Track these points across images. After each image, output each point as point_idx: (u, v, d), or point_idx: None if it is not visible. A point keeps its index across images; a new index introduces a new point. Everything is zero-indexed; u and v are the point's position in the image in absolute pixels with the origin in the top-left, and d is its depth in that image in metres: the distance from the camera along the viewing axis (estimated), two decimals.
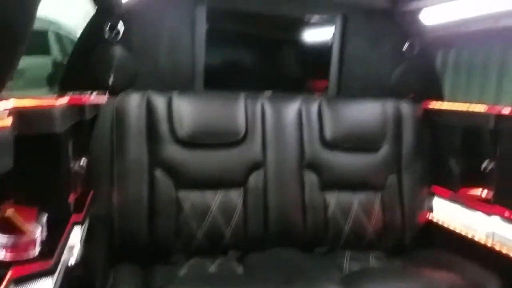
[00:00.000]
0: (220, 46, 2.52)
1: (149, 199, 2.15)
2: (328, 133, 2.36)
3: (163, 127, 2.20)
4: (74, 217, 1.59)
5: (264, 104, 2.36)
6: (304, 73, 2.71)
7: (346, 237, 2.34)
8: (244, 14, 2.52)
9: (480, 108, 2.18)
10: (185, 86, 2.43)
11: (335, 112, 2.40)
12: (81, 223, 1.65)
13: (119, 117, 2.18)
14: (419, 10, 2.39)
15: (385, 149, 2.44)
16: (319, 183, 2.35)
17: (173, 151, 2.20)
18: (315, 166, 2.36)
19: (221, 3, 2.45)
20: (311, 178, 2.35)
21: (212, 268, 2.10)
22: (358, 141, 2.40)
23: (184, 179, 2.20)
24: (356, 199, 2.38)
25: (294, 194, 2.33)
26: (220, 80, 2.53)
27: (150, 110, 2.20)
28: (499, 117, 2.06)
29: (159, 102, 2.22)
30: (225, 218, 2.21)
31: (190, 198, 2.20)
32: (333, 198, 2.36)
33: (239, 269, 2.12)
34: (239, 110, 2.29)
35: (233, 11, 2.50)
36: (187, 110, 2.22)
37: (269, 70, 2.64)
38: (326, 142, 2.37)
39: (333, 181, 2.36)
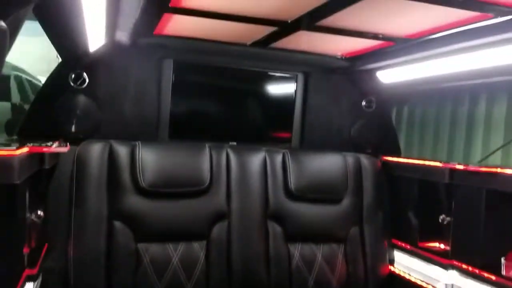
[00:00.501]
0: (186, 97, 2.56)
1: (107, 251, 2.07)
2: (292, 184, 2.40)
3: (125, 177, 2.16)
4: (27, 271, 1.50)
5: (229, 154, 2.38)
6: (268, 125, 2.78)
7: None
8: (210, 67, 2.59)
9: (436, 163, 2.29)
10: (150, 136, 2.43)
11: (299, 164, 2.45)
12: (34, 278, 1.56)
13: (80, 166, 2.13)
14: (374, 70, 2.54)
15: (347, 201, 2.49)
16: (283, 234, 2.36)
17: (134, 202, 2.15)
18: (279, 216, 2.37)
19: (187, 56, 2.51)
20: (275, 229, 2.35)
21: None
22: (321, 192, 2.44)
23: (145, 231, 2.14)
24: (319, 251, 2.38)
25: (258, 245, 2.31)
26: (185, 130, 2.55)
27: (112, 159, 2.17)
28: (454, 172, 2.17)
29: (122, 151, 2.19)
30: (187, 272, 2.15)
31: (150, 250, 2.14)
32: (297, 250, 2.36)
33: None
34: (203, 160, 2.29)
35: (199, 64, 2.56)
36: (151, 160, 2.20)
37: (234, 121, 2.69)
38: (290, 192, 2.39)
39: (297, 232, 2.38)
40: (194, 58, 2.52)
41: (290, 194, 2.40)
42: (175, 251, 2.16)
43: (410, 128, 3.33)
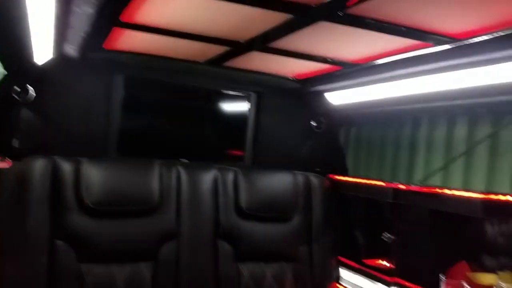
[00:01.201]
0: (136, 114, 2.52)
1: (48, 272, 1.97)
2: (243, 202, 2.40)
3: (69, 194, 2.08)
4: None
5: (180, 172, 2.35)
6: (221, 143, 2.78)
7: None
8: (162, 84, 2.56)
9: (380, 182, 2.38)
10: (97, 153, 2.36)
11: (250, 182, 2.46)
12: None
13: (21, 183, 2.03)
14: (324, 92, 2.62)
15: (296, 220, 2.52)
16: (233, 253, 2.34)
17: (78, 220, 2.07)
18: (230, 235, 2.35)
19: (139, 72, 2.48)
20: (225, 248, 2.34)
21: None
22: (271, 211, 2.46)
23: (88, 251, 2.06)
24: (269, 270, 2.39)
25: (208, 265, 2.29)
26: (135, 147, 2.50)
27: (55, 176, 2.08)
28: (397, 191, 2.26)
29: (66, 168, 2.11)
30: None
31: (94, 272, 2.06)
32: (246, 269, 2.35)
33: None
34: (153, 177, 2.25)
35: (150, 81, 2.53)
36: (97, 177, 2.13)
37: (186, 139, 2.67)
38: (241, 211, 2.39)
39: (247, 252, 2.37)
40: (146, 74, 2.49)
41: (241, 213, 2.40)
42: (120, 273, 2.09)
43: (357, 148, 3.44)
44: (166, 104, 2.65)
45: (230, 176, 2.46)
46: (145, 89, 2.56)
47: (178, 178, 2.34)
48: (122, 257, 2.12)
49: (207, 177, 2.41)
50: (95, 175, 2.13)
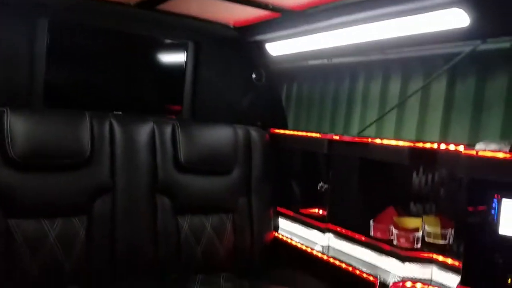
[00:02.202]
0: (63, 62, 2.35)
1: None
2: (182, 156, 2.35)
3: None
4: None
5: (112, 124, 2.25)
6: (157, 95, 2.68)
7: (198, 261, 2.33)
8: (90, 29, 2.40)
9: (316, 134, 2.42)
10: (21, 104, 2.20)
11: (189, 136, 2.41)
12: None
13: None
14: (264, 42, 2.58)
15: (236, 173, 2.52)
16: (172, 207, 2.31)
17: (2, 174, 1.94)
18: (168, 190, 2.31)
19: (65, 16, 2.29)
20: (164, 202, 2.30)
21: None
22: (211, 164, 2.43)
23: (16, 206, 1.96)
24: (208, 222, 2.39)
25: (146, 220, 2.24)
26: (62, 98, 2.35)
27: None
28: (331, 142, 2.31)
29: None
30: (65, 250, 2.01)
31: (23, 227, 1.96)
32: (186, 222, 2.34)
33: None
34: (83, 129, 2.13)
35: (77, 25, 2.36)
36: (22, 129, 2.00)
37: (119, 90, 2.54)
38: (180, 165, 2.35)
39: (187, 205, 2.35)
40: (73, 18, 2.31)
41: (180, 167, 2.35)
42: (52, 228, 2.01)
43: (298, 104, 3.49)
44: (95, 52, 2.49)
45: (168, 129, 2.39)
46: (72, 35, 2.38)
47: (111, 130, 2.23)
48: (52, 211, 2.03)
49: (143, 130, 2.33)
50: (19, 127, 1.99)
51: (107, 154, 2.19)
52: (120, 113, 2.41)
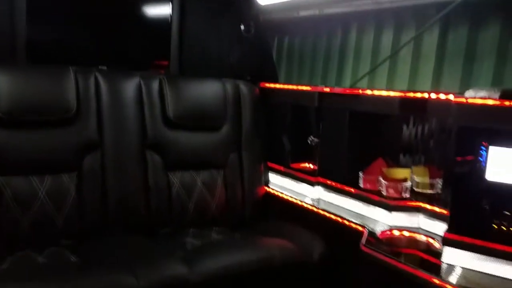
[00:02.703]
0: (45, 17, 2.28)
1: None
2: (171, 111, 2.32)
3: None
4: None
5: (98, 80, 2.20)
6: (143, 49, 2.62)
7: (190, 215, 2.34)
8: None
9: (306, 87, 2.38)
10: (3, 59, 2.14)
11: (177, 91, 2.36)
12: None
13: None
14: None
15: (226, 128, 2.50)
16: (162, 163, 2.30)
17: None
18: (158, 146, 2.30)
19: None
20: (154, 158, 2.28)
21: (41, 259, 1.91)
22: (200, 120, 2.41)
23: (4, 164, 1.94)
24: (199, 178, 2.39)
25: (136, 176, 2.24)
26: (46, 54, 2.29)
27: None
28: (322, 95, 2.28)
29: None
30: (56, 205, 2.02)
31: (12, 184, 1.95)
32: (177, 178, 2.34)
33: (73, 258, 1.95)
34: (68, 85, 2.09)
35: None
36: (6, 85, 1.96)
37: (104, 44, 2.48)
38: (168, 121, 2.32)
39: (177, 161, 2.34)
40: None
41: (169, 123, 2.32)
42: (41, 184, 2.01)
43: (289, 57, 3.41)
44: (78, 5, 2.41)
45: (155, 85, 2.35)
46: None
47: (97, 86, 2.19)
48: (41, 168, 2.02)
49: (130, 85, 2.29)
50: (3, 84, 1.96)
51: (93, 110, 2.16)
52: (105, 68, 2.36)
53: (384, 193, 2.03)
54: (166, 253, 1.97)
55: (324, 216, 2.13)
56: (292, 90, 2.49)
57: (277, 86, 2.63)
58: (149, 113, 2.30)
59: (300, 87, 2.43)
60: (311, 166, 2.51)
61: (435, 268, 1.58)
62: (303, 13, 2.61)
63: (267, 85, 2.67)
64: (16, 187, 1.96)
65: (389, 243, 1.79)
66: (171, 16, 2.56)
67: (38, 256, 1.91)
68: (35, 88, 2.03)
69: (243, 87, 2.59)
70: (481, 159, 1.55)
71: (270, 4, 2.56)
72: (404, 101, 1.92)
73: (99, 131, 2.16)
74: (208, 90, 2.46)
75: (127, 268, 1.72)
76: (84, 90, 2.15)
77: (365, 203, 2.07)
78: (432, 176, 2.02)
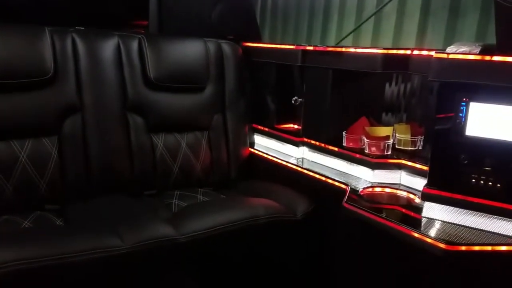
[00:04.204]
0: None
1: None
2: (151, 72, 2.27)
3: None
4: None
5: (75, 40, 2.14)
6: (121, 8, 2.53)
7: (175, 177, 2.35)
8: None
9: (290, 46, 2.35)
10: None
11: (158, 51, 2.30)
12: None
13: None
14: None
15: (209, 89, 2.46)
16: (145, 125, 2.28)
17: None
18: (140, 108, 2.26)
19: None
20: (136, 120, 2.25)
21: (26, 223, 1.90)
22: (182, 81, 2.37)
23: None
24: (183, 140, 2.38)
25: (119, 138, 2.21)
26: (19, 12, 2.20)
27: None
28: (305, 53, 2.25)
29: None
30: (38, 170, 2.00)
31: None
32: (160, 140, 2.32)
33: (58, 222, 1.95)
34: (44, 46, 2.03)
35: None
36: None
37: (79, 4, 2.39)
38: (149, 82, 2.27)
39: (160, 123, 2.31)
40: None
41: (150, 84, 2.28)
42: (22, 149, 1.98)
43: (273, 17, 3.35)
44: None
45: (134, 44, 2.28)
46: None
47: (74, 46, 2.13)
48: (21, 133, 1.99)
49: (108, 45, 2.22)
50: None
51: (71, 71, 2.10)
52: (82, 28, 2.29)
53: (366, 151, 2.05)
54: (151, 214, 1.98)
55: (308, 175, 2.15)
56: (276, 48, 2.45)
57: (260, 45, 2.59)
58: (129, 74, 2.25)
59: (283, 46, 2.39)
60: (296, 126, 2.51)
61: (415, 223, 1.61)
62: None
63: (250, 44, 2.62)
64: None
65: (370, 200, 1.82)
66: None
67: (23, 221, 1.90)
68: (10, 50, 1.96)
69: (226, 47, 2.54)
70: (461, 115, 1.56)
71: None
72: (386, 58, 1.90)
73: (78, 93, 2.12)
74: (189, 50, 2.41)
75: (112, 230, 1.73)
76: (61, 51, 2.08)
77: (348, 162, 2.09)
78: (414, 134, 2.04)
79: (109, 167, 2.18)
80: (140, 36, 2.31)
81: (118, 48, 2.24)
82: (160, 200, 2.22)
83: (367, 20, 2.54)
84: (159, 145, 2.31)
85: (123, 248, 1.65)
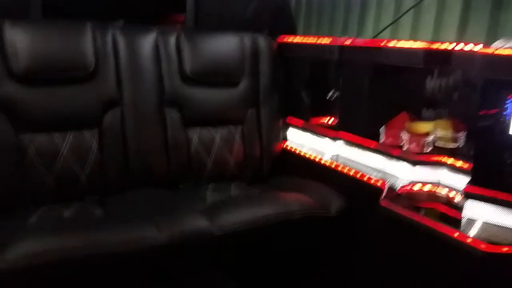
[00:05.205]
0: None
1: None
2: (188, 67, 2.30)
3: None
4: None
5: (115, 36, 2.18)
6: (158, 4, 2.56)
7: (209, 171, 2.37)
8: None
9: (326, 40, 2.31)
10: (19, 15, 2.13)
11: (194, 46, 2.33)
12: None
13: None
14: None
15: (244, 84, 2.46)
16: (181, 120, 2.31)
17: (9, 89, 1.94)
18: (176, 102, 2.29)
19: None
20: (172, 115, 2.29)
21: (67, 213, 1.97)
22: (218, 76, 2.38)
23: (25, 121, 1.97)
24: (217, 134, 2.39)
25: (155, 133, 2.25)
26: (62, 8, 2.26)
27: None
28: (342, 48, 2.21)
29: None
30: (79, 162, 2.06)
31: (35, 141, 1.99)
32: (195, 134, 2.35)
33: (99, 212, 2.01)
34: (86, 41, 2.08)
35: None
36: (24, 41, 1.95)
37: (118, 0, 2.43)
38: (186, 77, 2.30)
39: (195, 118, 2.34)
40: None
41: (186, 79, 2.31)
42: (64, 141, 2.04)
43: (308, 9, 3.31)
44: None
45: (172, 39, 2.31)
46: None
47: (114, 41, 2.17)
48: (63, 125, 2.05)
49: (146, 40, 2.26)
50: (21, 39, 1.95)
51: (111, 66, 2.15)
52: (122, 22, 2.33)
53: (405, 147, 2.00)
54: (187, 207, 2.00)
55: (343, 171, 2.12)
56: (312, 44, 2.42)
57: (296, 39, 2.56)
58: (167, 68, 2.28)
59: (319, 41, 2.36)
60: (331, 121, 2.48)
61: (455, 222, 1.57)
62: None
63: (286, 38, 2.60)
64: (39, 144, 2.00)
65: (408, 198, 1.78)
66: None
67: (64, 211, 1.97)
68: (54, 45, 2.02)
69: (261, 41, 2.53)
70: (505, 113, 1.50)
71: None
72: (428, 52, 1.84)
73: (118, 87, 2.17)
74: (225, 44, 2.42)
75: (150, 221, 1.76)
76: (102, 46, 2.13)
77: (386, 158, 2.05)
78: (455, 130, 1.98)
79: (146, 160, 2.22)
80: (177, 32, 2.33)
81: (156, 43, 2.27)
82: (194, 193, 2.25)
83: (406, 12, 2.47)
84: (194, 139, 2.34)
85: (160, 239, 1.68)
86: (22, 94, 1.96)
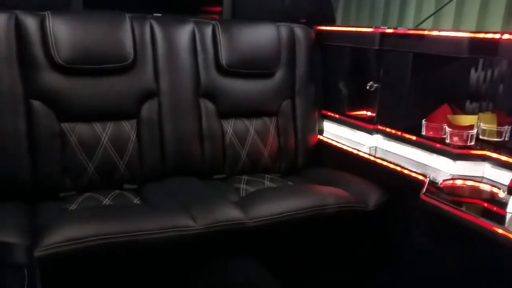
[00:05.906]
0: None
1: (28, 133, 1.95)
2: (224, 58, 2.29)
3: (38, 52, 1.96)
4: None
5: (153, 27, 2.20)
6: None
7: (243, 163, 2.37)
8: None
9: (367, 29, 2.25)
10: (61, 6, 2.17)
11: (230, 36, 2.31)
12: None
13: None
14: None
15: (279, 75, 2.44)
16: (216, 111, 2.31)
17: (51, 79, 1.99)
18: (211, 93, 2.30)
19: None
20: (208, 106, 2.30)
21: (107, 201, 2.01)
22: (254, 68, 2.36)
23: (67, 110, 2.02)
24: (252, 126, 2.38)
25: (191, 123, 2.27)
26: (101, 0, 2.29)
27: (20, 32, 1.94)
28: (384, 36, 2.15)
29: (30, 23, 1.96)
30: (118, 151, 2.10)
31: (76, 130, 2.04)
32: (230, 126, 2.35)
33: (136, 200, 2.05)
34: (125, 33, 2.11)
35: None
36: (65, 33, 1.99)
37: None
38: (221, 68, 2.30)
39: (230, 109, 2.34)
40: None
41: (222, 70, 2.30)
42: (104, 131, 2.08)
43: (347, 0, 3.24)
44: None
45: (208, 30, 2.31)
46: None
47: (152, 33, 2.19)
48: (103, 115, 2.09)
49: (184, 32, 2.27)
50: (62, 30, 1.99)
51: (149, 57, 2.17)
52: (160, 14, 2.35)
53: (448, 141, 1.93)
54: (221, 197, 2.01)
55: (382, 165, 2.07)
56: (351, 32, 2.36)
57: (335, 28, 2.51)
58: (202, 60, 2.28)
59: (359, 29, 2.30)
60: (369, 113, 2.42)
61: (499, 218, 1.50)
62: None
63: (324, 28, 2.55)
64: (80, 133, 2.04)
65: (450, 192, 1.71)
66: None
67: (104, 199, 2.01)
68: (95, 36, 2.05)
69: (298, 31, 2.50)
70: None
71: None
72: (472, 42, 1.76)
73: (155, 79, 2.19)
74: (262, 35, 2.39)
75: (186, 210, 1.78)
76: (140, 37, 2.15)
77: (427, 152, 1.98)
78: (500, 123, 1.89)
79: (182, 151, 2.24)
80: (214, 22, 2.33)
81: (193, 35, 2.27)
82: (228, 184, 2.26)
83: (450, 1, 2.37)
84: (228, 130, 2.34)
85: (195, 228, 1.69)
86: (63, 84, 2.01)
